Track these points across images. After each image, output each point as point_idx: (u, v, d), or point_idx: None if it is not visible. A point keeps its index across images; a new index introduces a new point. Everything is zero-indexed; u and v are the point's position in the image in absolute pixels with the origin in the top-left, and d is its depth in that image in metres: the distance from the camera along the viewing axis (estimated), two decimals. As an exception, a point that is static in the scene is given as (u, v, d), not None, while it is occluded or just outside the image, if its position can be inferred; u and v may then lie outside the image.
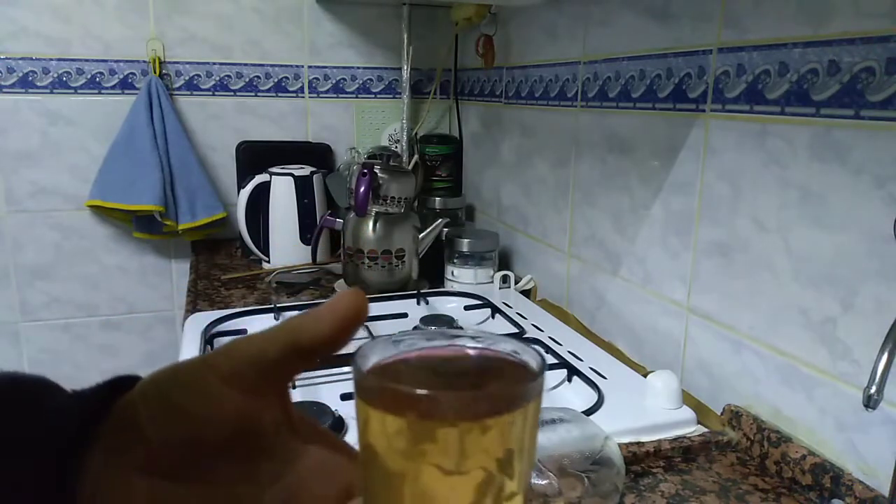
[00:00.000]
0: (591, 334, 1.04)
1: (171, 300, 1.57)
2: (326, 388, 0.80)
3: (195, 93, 1.48)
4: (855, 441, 0.63)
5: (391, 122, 1.63)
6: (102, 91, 1.42)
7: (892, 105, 0.57)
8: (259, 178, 1.33)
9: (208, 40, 1.47)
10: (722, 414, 0.77)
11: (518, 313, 1.08)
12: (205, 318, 1.01)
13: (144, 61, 1.43)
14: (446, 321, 1.04)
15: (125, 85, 1.43)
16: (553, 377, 0.86)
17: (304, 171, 1.35)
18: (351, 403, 0.26)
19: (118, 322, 1.54)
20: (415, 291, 1.16)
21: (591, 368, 0.86)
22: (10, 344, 1.48)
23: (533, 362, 0.26)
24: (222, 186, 1.51)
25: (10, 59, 1.35)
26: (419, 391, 0.23)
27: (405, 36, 1.52)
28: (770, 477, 0.68)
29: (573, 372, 0.85)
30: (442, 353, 0.28)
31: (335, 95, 1.57)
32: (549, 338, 0.98)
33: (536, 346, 0.25)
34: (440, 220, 1.26)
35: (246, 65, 1.50)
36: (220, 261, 1.41)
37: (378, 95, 1.60)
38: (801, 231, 0.68)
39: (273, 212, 1.33)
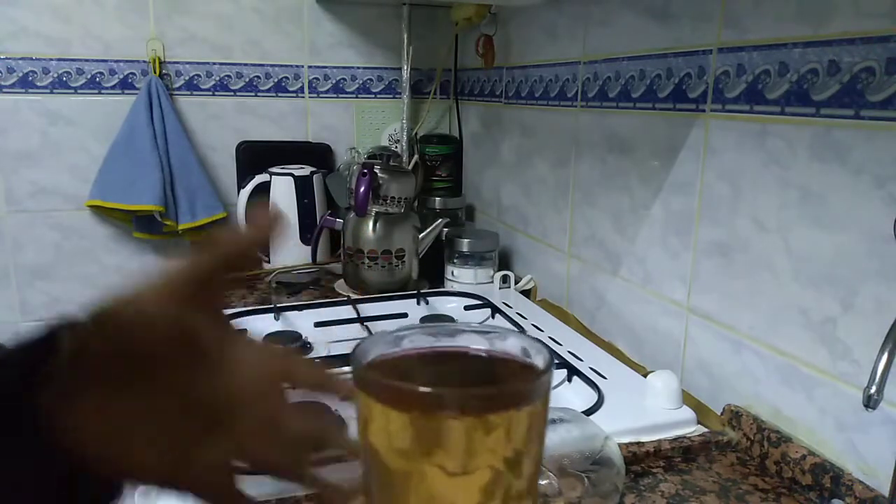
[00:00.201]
0: (591, 334, 1.04)
1: (170, 300, 1.56)
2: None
3: (195, 93, 1.48)
4: (855, 441, 0.63)
5: (391, 122, 1.63)
6: (102, 91, 1.42)
7: (892, 105, 0.57)
8: (259, 178, 1.33)
9: (208, 40, 1.47)
10: (722, 414, 0.77)
11: (518, 313, 1.08)
12: (205, 317, 1.01)
13: (144, 61, 1.43)
14: (446, 321, 1.04)
15: (125, 85, 1.43)
16: (553, 377, 0.86)
17: (304, 171, 1.35)
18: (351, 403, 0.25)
19: (118, 322, 1.54)
20: (415, 291, 1.16)
21: (591, 368, 0.87)
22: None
23: (540, 359, 0.25)
24: (222, 186, 1.51)
25: (10, 59, 1.35)
26: (422, 388, 0.22)
27: (405, 36, 1.52)
28: (770, 477, 0.68)
29: (573, 372, 0.85)
30: (446, 350, 0.28)
31: (335, 95, 1.57)
32: (549, 338, 0.98)
33: (542, 342, 0.24)
34: (440, 220, 1.26)
35: (246, 65, 1.50)
36: (220, 261, 1.41)
37: (378, 95, 1.60)
38: (801, 231, 0.68)
39: (273, 212, 1.33)
